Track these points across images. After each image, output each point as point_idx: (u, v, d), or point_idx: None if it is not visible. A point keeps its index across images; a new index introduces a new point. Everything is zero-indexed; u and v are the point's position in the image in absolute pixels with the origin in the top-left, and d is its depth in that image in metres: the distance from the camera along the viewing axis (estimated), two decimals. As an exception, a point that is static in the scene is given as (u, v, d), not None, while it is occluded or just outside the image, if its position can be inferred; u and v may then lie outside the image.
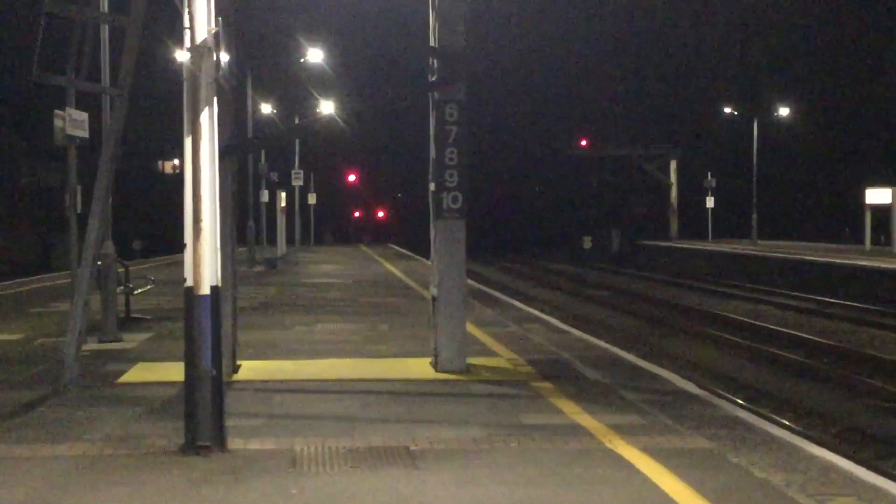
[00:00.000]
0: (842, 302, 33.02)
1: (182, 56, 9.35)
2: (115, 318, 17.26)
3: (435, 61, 13.59)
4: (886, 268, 36.26)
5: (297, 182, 60.61)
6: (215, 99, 9.25)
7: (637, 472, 8.59)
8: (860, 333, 26.01)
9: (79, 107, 16.66)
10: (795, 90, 74.36)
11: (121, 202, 33.01)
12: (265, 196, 50.36)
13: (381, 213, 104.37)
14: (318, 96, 49.29)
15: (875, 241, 48.97)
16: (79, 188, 17.41)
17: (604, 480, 8.34)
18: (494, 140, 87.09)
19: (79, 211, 17.16)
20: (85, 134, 16.81)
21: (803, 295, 35.60)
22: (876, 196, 46.91)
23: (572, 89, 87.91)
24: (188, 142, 9.15)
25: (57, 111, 16.47)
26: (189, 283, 9.14)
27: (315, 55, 44.70)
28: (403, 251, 59.94)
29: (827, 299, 33.95)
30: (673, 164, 74.73)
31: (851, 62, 75.90)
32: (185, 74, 9.23)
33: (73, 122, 16.36)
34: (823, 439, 13.78)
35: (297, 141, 57.15)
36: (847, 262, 39.80)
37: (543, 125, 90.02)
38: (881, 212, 47.42)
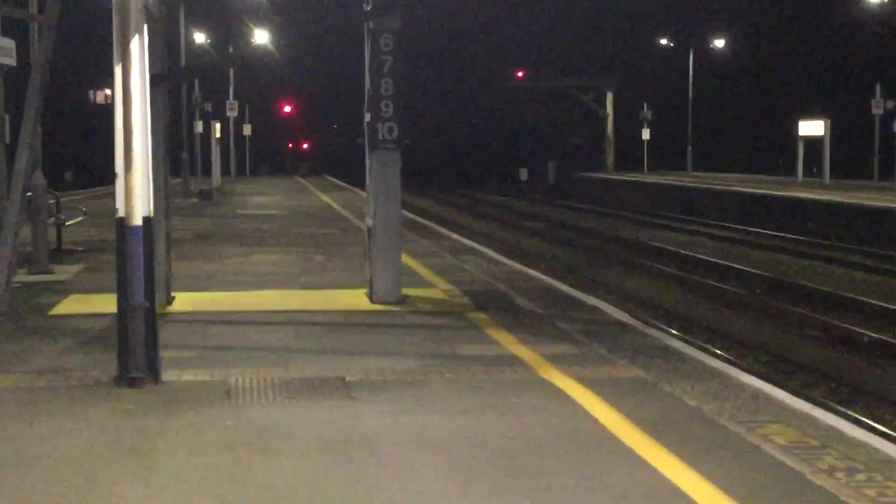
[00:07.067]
0: (774, 233, 33.42)
1: (111, -18, 9.16)
2: (46, 249, 17.04)
3: (370, -10, 13.41)
4: (818, 199, 36.69)
5: (232, 113, 60.01)
6: (145, 27, 9.10)
7: (571, 401, 8.65)
8: (792, 264, 26.35)
9: (6, 34, 16.33)
10: (730, 21, 74.48)
11: (52, 132, 32.49)
12: (199, 127, 49.84)
13: (315, 145, 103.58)
14: (252, 25, 48.70)
15: (807, 173, 49.48)
16: (7, 118, 17.12)
17: (538, 409, 8.40)
18: (431, 71, 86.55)
19: (7, 141, 16.89)
20: (12, 62, 16.51)
21: (737, 226, 35.97)
22: (808, 128, 47.28)
23: (510, 20, 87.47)
24: (118, 70, 9.01)
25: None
26: (121, 213, 9.04)
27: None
28: (339, 182, 59.70)
29: (760, 230, 34.34)
30: (609, 96, 74.71)
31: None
32: (113, 1, 9.05)
33: None
34: (754, 368, 13.98)
35: (231, 71, 56.45)
36: (780, 193, 40.21)
37: (480, 56, 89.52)
38: (814, 143, 47.86)
